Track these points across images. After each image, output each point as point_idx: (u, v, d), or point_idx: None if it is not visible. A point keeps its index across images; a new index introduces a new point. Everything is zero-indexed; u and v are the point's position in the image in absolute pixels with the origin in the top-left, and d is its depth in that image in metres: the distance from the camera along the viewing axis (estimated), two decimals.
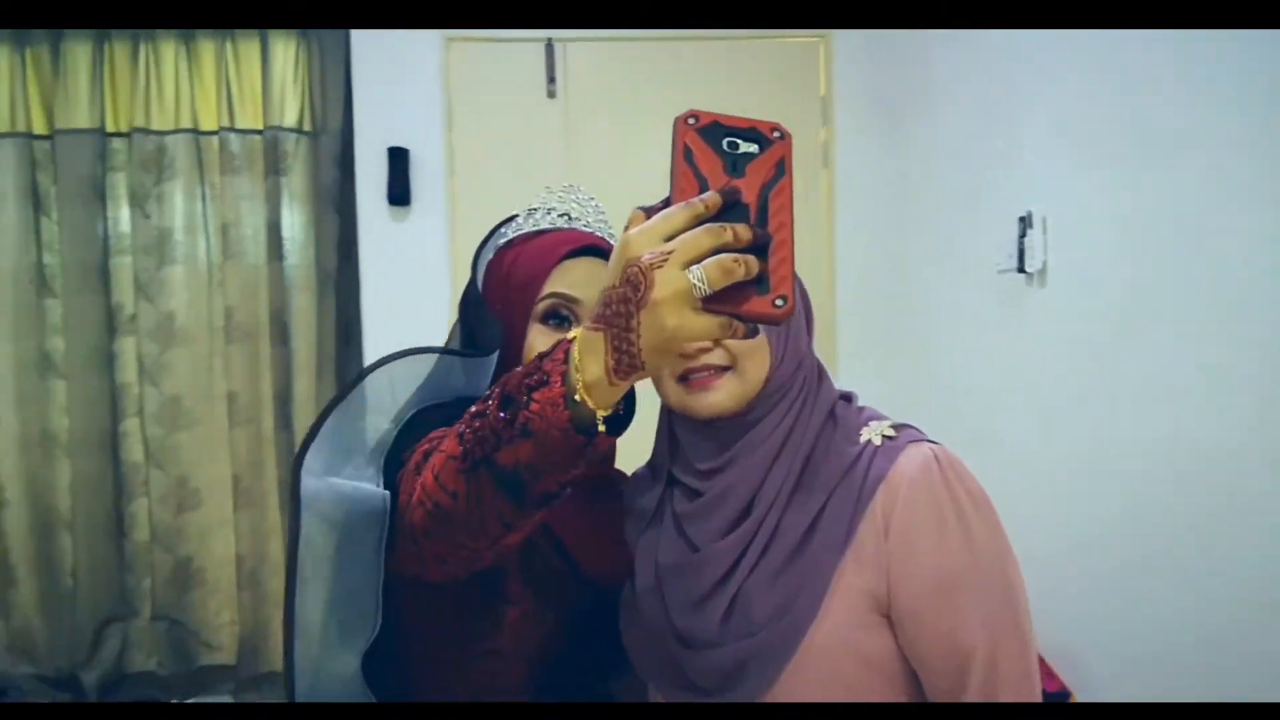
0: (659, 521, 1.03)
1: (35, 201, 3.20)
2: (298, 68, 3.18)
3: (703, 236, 0.64)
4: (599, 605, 1.07)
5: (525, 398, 0.73)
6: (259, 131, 3.19)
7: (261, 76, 3.18)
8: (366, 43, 3.12)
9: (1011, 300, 2.24)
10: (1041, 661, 1.55)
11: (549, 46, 3.11)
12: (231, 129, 3.19)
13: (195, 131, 3.18)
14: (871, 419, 1.00)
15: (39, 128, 3.19)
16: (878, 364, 3.05)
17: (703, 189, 0.67)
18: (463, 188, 3.15)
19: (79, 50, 3.15)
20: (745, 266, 0.64)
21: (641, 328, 0.66)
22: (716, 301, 0.65)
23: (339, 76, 3.17)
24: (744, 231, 0.65)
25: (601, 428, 0.72)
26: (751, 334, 0.68)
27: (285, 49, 3.18)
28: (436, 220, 3.11)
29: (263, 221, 3.21)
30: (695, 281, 0.63)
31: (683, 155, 0.68)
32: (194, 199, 3.21)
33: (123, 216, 3.21)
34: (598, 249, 1.07)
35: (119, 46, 3.16)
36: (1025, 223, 2.11)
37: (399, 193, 3.09)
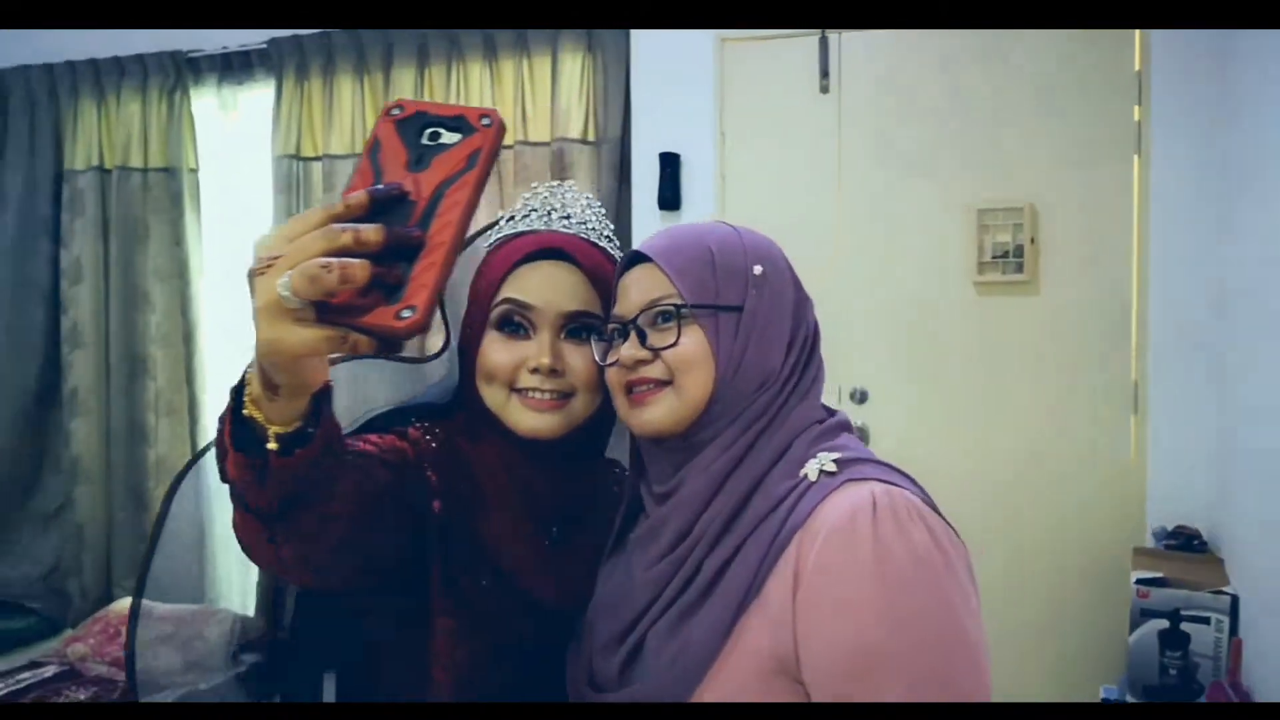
0: (621, 545, 0.93)
1: None
2: (583, 81, 3.31)
3: (314, 240, 0.56)
4: (554, 634, 0.96)
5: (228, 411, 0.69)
6: (547, 144, 3.36)
7: (551, 91, 3.35)
8: (645, 53, 3.19)
9: None
10: None
11: (823, 40, 2.97)
12: (525, 142, 3.38)
13: None
14: (830, 449, 0.82)
15: None
16: (1192, 387, 2.56)
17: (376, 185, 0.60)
18: (732, 189, 3.10)
19: (404, 76, 3.52)
20: (341, 273, 0.54)
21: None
22: (336, 311, 0.57)
23: (620, 88, 3.25)
24: (373, 234, 0.56)
25: (272, 445, 0.65)
26: (387, 349, 0.58)
27: (572, 64, 3.32)
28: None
29: None
30: (280, 290, 0.56)
31: (369, 149, 0.61)
32: (493, 208, 3.44)
33: None
34: (561, 252, 0.98)
35: (435, 71, 3.49)
36: None
37: (670, 197, 3.13)
